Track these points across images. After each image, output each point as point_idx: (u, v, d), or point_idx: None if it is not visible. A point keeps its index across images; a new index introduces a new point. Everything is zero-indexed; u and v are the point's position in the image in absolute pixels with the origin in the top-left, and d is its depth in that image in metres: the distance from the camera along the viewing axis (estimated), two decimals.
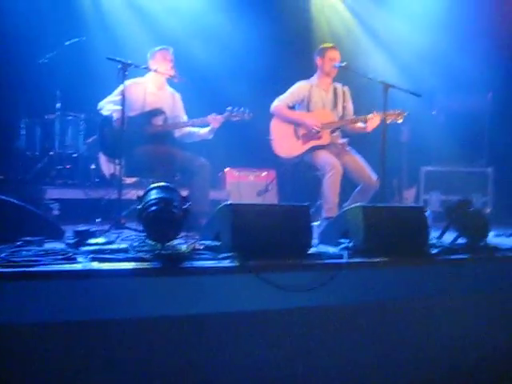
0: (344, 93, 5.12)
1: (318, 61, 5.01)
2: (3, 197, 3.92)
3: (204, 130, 4.78)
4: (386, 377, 3.09)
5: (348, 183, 4.96)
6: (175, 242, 2.91)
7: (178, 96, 5.00)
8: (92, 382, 2.57)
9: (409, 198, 6.67)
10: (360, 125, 4.89)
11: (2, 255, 2.57)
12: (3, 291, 2.44)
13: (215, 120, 4.62)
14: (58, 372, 2.52)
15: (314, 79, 5.05)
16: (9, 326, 2.42)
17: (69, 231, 3.58)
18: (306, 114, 4.98)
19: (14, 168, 5.77)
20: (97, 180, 5.55)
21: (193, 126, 4.82)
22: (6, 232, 3.36)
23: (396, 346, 3.13)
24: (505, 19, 6.66)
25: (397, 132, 6.30)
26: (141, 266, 2.66)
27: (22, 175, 5.70)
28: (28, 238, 2.99)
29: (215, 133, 4.78)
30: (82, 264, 2.58)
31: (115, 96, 4.65)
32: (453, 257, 3.31)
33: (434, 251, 3.34)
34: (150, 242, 2.87)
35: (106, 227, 3.69)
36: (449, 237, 3.57)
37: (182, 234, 3.00)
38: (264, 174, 6.31)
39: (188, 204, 2.91)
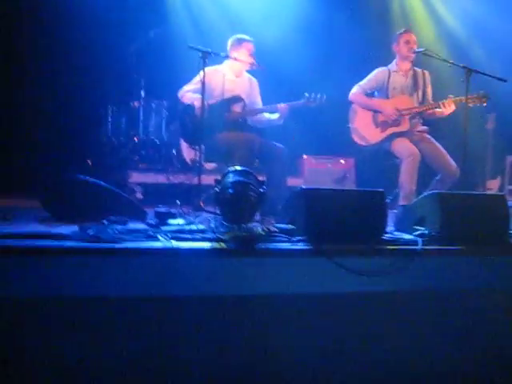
0: (424, 77, 5.01)
1: (395, 47, 4.94)
2: (92, 180, 4.17)
3: (274, 116, 4.84)
4: (452, 366, 3.05)
5: (428, 171, 4.86)
6: (251, 224, 2.99)
7: (255, 82, 5.07)
8: (166, 356, 2.71)
9: (493, 188, 6.44)
10: (437, 110, 4.79)
11: (91, 232, 2.75)
12: (91, 266, 2.62)
13: (284, 108, 4.69)
14: (135, 344, 2.67)
15: (393, 65, 4.98)
16: (96, 298, 2.60)
17: (151, 213, 3.76)
18: (384, 100, 4.92)
19: (101, 153, 6.07)
20: (178, 165, 5.73)
21: (269, 112, 4.89)
22: (94, 212, 3.59)
23: (466, 337, 3.07)
24: None
25: (482, 119, 6.08)
26: (217, 247, 2.76)
27: (108, 160, 5.98)
28: (113, 218, 3.17)
29: (295, 120, 4.83)
30: (162, 242, 2.71)
31: (195, 84, 4.77)
32: None
33: None
34: (226, 223, 2.97)
35: (186, 209, 3.83)
36: None
37: (259, 217, 3.08)
38: (342, 161, 6.27)
39: (264, 187, 2.98)
